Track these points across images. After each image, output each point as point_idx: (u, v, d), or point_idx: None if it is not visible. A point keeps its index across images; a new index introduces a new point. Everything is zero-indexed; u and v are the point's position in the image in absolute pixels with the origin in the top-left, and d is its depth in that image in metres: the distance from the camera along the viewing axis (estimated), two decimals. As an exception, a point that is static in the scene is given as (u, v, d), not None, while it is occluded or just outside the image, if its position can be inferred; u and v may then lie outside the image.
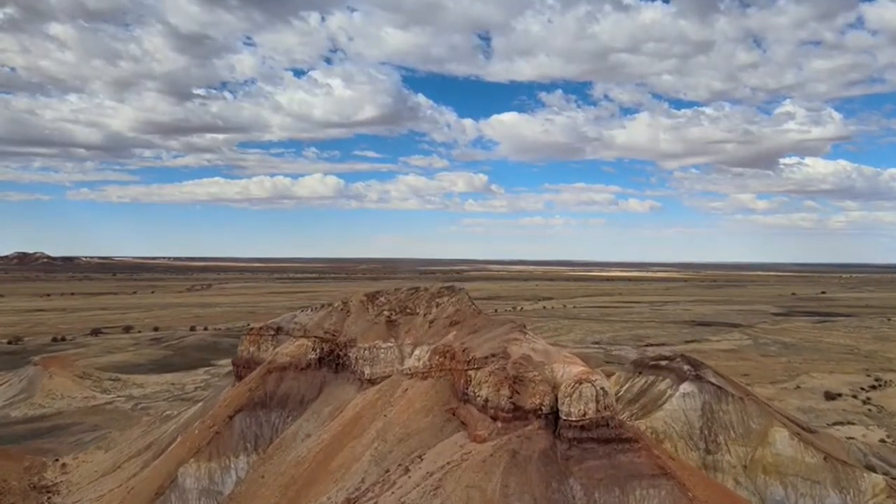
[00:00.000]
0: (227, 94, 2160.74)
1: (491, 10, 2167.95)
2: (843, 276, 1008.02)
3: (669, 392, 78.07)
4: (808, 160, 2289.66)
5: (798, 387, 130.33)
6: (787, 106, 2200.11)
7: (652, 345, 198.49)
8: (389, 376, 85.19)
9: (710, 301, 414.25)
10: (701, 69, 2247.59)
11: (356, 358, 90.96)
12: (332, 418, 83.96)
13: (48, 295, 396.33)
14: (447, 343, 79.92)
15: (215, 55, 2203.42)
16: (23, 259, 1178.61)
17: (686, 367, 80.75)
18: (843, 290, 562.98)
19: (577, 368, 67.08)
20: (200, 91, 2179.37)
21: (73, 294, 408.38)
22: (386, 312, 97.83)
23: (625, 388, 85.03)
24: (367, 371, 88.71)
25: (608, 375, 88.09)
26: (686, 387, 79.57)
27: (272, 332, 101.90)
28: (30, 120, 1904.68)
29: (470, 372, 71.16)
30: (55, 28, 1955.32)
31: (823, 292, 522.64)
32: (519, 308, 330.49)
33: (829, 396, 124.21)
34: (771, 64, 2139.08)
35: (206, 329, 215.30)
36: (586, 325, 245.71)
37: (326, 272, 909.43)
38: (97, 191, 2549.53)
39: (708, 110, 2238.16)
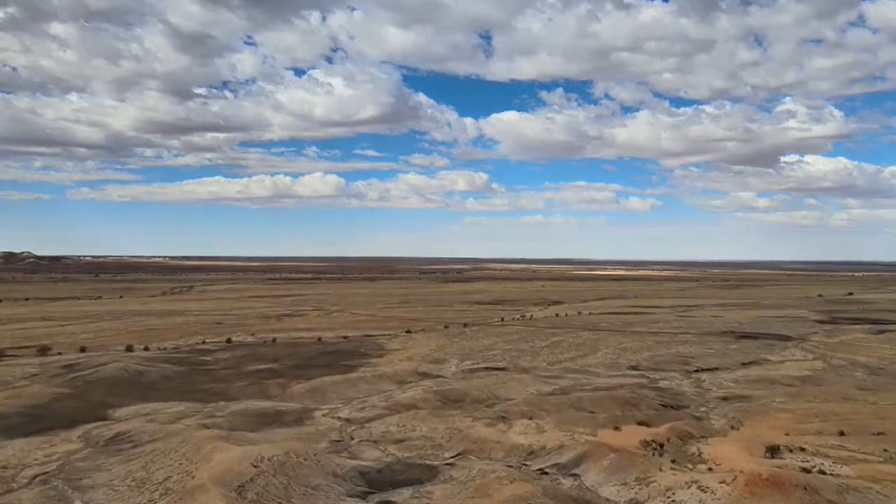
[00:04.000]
0: (227, 93, 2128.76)
1: (492, 9, 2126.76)
2: (856, 274, 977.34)
3: None
4: (808, 158, 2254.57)
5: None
6: (788, 104, 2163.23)
7: (703, 369, 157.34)
8: None
9: (735, 305, 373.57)
10: (701, 67, 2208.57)
11: None
12: None
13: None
14: None
15: (216, 54, 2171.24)
16: (9, 258, 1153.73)
17: None
18: (867, 291, 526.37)
19: None
20: (201, 90, 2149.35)
21: (26, 299, 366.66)
22: None
23: None
24: None
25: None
26: None
27: None
28: (31, 119, 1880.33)
29: None
30: (57, 27, 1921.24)
31: (851, 293, 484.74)
32: (529, 315, 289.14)
33: None
34: (772, 62, 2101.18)
35: (146, 349, 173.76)
36: (612, 340, 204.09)
37: (323, 272, 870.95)
38: (98, 190, 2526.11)
39: (709, 108, 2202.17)
